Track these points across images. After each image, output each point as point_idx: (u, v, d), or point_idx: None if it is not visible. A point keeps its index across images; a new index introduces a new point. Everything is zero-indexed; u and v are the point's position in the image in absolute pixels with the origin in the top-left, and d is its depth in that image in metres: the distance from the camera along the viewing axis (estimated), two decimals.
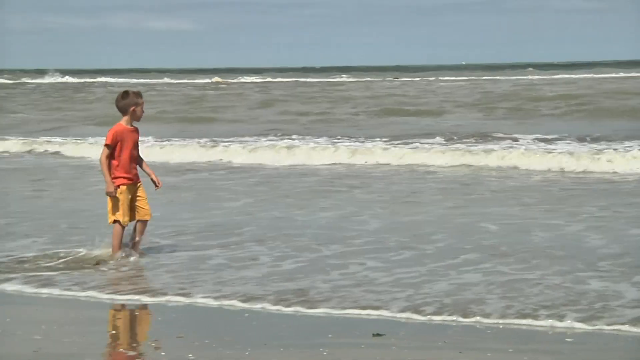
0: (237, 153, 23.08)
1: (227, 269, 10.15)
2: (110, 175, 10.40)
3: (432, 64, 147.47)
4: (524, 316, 8.06)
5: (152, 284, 9.53)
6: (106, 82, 75.05)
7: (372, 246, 11.30)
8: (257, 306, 8.60)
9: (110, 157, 10.46)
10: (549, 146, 22.40)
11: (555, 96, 41.10)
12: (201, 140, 25.30)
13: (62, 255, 10.73)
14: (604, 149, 20.75)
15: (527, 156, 20.23)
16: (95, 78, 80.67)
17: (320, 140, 25.01)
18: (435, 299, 8.66)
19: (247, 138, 26.20)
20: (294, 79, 76.72)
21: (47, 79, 79.28)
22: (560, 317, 7.98)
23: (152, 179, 10.72)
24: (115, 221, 10.53)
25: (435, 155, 21.17)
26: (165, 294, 9.04)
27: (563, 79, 65.10)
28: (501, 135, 25.12)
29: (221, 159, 22.67)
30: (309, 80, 74.91)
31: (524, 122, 30.82)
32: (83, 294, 9.22)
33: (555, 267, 9.97)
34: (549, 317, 8.01)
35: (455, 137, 24.94)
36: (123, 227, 10.56)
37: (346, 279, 9.59)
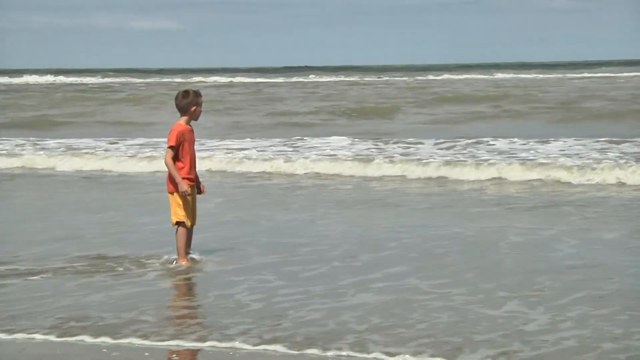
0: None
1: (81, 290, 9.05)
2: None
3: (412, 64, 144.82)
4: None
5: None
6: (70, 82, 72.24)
7: (311, 257, 10.23)
8: (31, 336, 7.52)
9: (175, 158, 9.97)
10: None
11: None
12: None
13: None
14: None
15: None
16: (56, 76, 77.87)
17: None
18: (287, 332, 7.42)
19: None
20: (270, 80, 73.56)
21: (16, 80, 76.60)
22: (414, 353, 6.81)
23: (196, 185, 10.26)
24: (178, 222, 9.97)
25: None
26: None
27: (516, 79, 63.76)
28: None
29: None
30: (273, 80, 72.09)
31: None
32: None
33: (479, 285, 8.77)
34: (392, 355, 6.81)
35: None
36: (187, 229, 9.97)
37: (205, 305, 8.39)
